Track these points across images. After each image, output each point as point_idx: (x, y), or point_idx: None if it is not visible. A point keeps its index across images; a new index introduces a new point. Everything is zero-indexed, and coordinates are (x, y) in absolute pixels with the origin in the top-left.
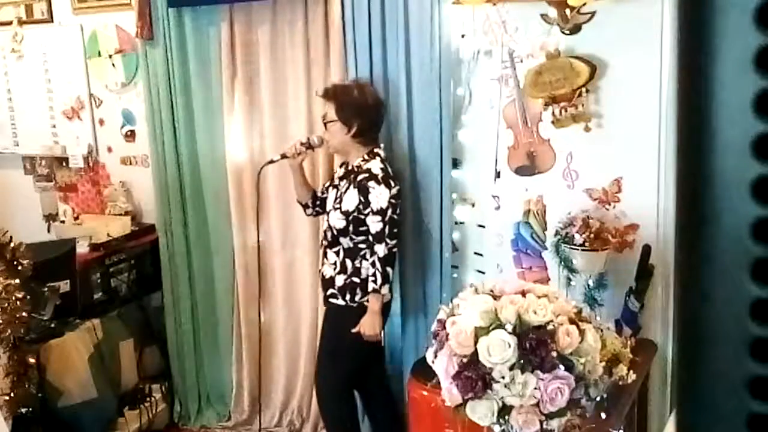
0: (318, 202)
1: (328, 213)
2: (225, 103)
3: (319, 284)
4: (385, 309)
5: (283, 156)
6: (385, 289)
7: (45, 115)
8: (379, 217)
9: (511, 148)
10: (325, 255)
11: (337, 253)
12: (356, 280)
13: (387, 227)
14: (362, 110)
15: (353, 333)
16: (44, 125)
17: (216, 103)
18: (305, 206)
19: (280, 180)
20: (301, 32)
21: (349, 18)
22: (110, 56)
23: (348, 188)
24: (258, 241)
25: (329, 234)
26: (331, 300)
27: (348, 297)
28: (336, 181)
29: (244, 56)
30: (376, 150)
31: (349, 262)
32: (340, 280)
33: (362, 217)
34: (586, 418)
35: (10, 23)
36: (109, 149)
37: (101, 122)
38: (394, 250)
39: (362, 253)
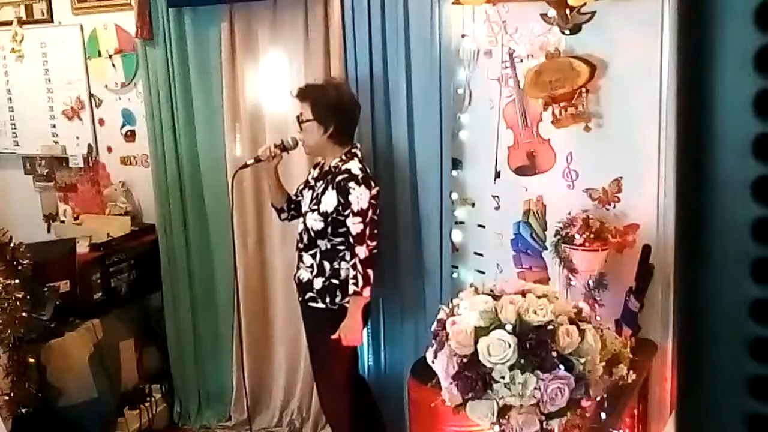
0: (293, 206)
1: (304, 214)
2: (225, 103)
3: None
4: (365, 311)
5: (257, 159)
6: (366, 292)
7: (45, 115)
8: (359, 219)
9: (511, 148)
10: (300, 258)
11: (314, 256)
12: (335, 281)
13: (367, 228)
14: (338, 110)
15: (334, 339)
16: (44, 125)
17: (216, 103)
18: (280, 210)
19: None
20: (301, 32)
21: (349, 18)
22: (110, 56)
23: (326, 189)
24: (233, 242)
25: (305, 236)
26: (311, 304)
27: (328, 300)
28: (311, 182)
29: (244, 56)
30: (353, 150)
31: (327, 264)
32: (318, 283)
33: (341, 218)
34: (586, 418)
35: (10, 23)
36: (109, 149)
37: (101, 122)
38: (375, 251)
39: (341, 254)
